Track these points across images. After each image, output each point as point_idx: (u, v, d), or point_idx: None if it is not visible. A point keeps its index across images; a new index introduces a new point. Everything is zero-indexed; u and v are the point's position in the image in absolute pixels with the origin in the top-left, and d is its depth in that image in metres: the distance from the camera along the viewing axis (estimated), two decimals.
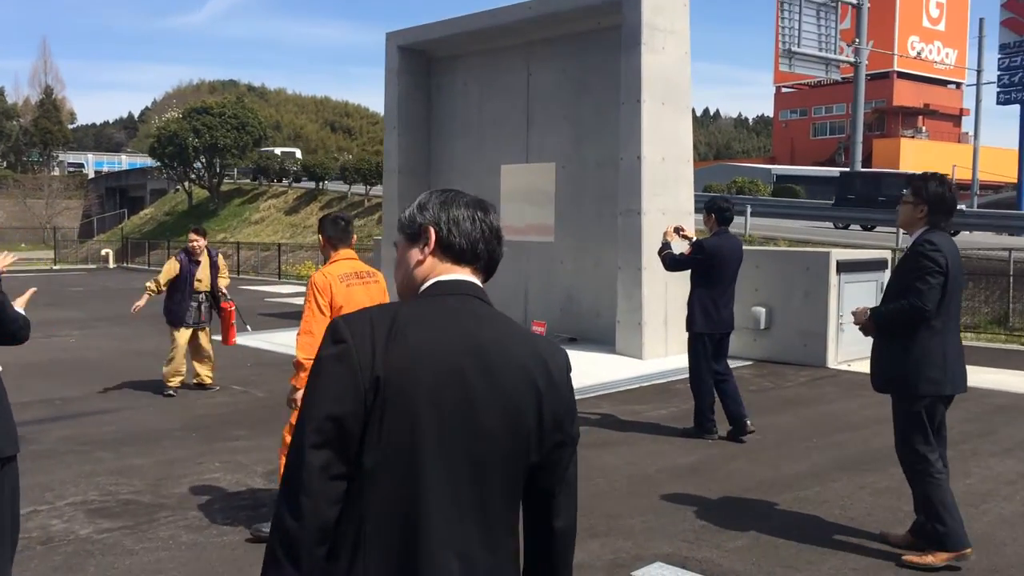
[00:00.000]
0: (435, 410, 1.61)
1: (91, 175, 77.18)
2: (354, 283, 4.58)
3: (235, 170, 46.36)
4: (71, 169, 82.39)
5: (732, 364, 10.64)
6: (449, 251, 1.79)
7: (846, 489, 5.78)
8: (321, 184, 39.75)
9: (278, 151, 48.83)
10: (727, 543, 4.78)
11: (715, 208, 7.37)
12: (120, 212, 59.35)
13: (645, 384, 9.54)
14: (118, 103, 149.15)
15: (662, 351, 10.96)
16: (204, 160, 43.86)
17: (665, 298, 11.03)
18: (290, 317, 15.82)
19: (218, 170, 44.39)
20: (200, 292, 9.10)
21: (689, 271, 7.48)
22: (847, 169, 33.65)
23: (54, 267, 34.45)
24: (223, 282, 9.29)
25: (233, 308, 9.29)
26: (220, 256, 9.53)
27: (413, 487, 1.59)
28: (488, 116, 13.49)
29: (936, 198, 4.49)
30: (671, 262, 7.47)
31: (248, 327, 11.75)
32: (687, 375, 9.36)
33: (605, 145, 11.69)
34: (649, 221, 10.84)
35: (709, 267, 7.15)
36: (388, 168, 14.22)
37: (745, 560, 4.54)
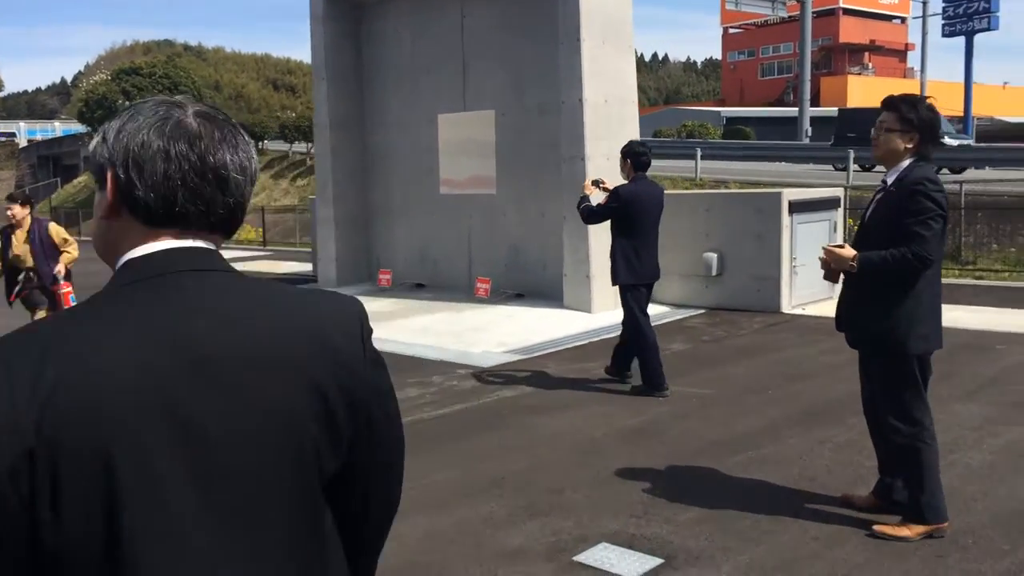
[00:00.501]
0: (140, 467, 1.04)
1: (23, 144, 74.51)
2: None
3: None
4: (1, 139, 79.51)
5: (684, 313, 10.35)
6: (135, 209, 1.18)
7: (804, 445, 5.41)
8: (261, 144, 38.55)
9: None
10: (678, 516, 4.37)
11: (630, 153, 7.02)
12: (53, 181, 57.36)
13: (594, 340, 9.11)
14: (50, 69, 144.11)
15: (612, 304, 10.47)
16: None
17: None
18: None
19: None
20: (24, 270, 7.93)
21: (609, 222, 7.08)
22: (840, 109, 33.22)
23: None
24: (66, 258, 7.88)
25: (67, 291, 7.83)
26: (56, 228, 8.02)
27: None
28: (422, 63, 12.79)
29: (928, 125, 3.91)
30: (587, 214, 7.09)
31: None
32: None
33: (546, 89, 11.09)
34: (594, 167, 10.30)
35: (626, 215, 6.83)
36: (319, 122, 13.47)
37: (697, 535, 4.13)
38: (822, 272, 4.21)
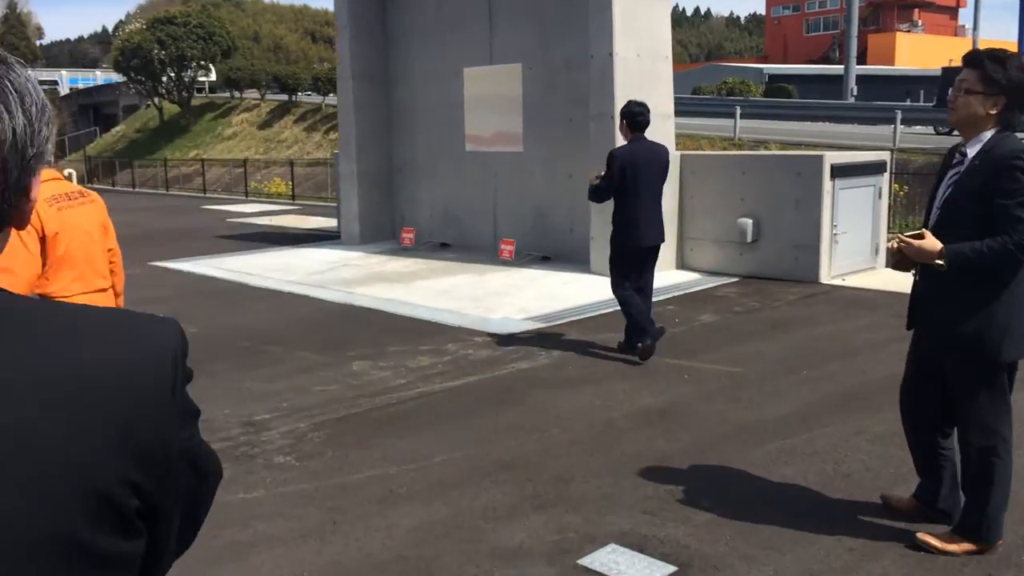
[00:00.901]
0: None
1: (65, 92, 74.84)
2: (65, 205, 3.65)
3: (205, 82, 44.58)
4: (43, 87, 79.93)
5: (716, 281, 9.85)
6: None
7: (840, 435, 4.96)
8: (294, 96, 38.15)
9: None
10: (696, 516, 3.97)
11: (626, 113, 6.83)
12: (92, 130, 57.55)
13: (619, 307, 8.66)
14: (92, 18, 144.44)
15: None
16: (173, 73, 42.06)
17: None
18: (247, 240, 14.85)
19: (187, 83, 42.64)
20: None
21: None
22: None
23: None
24: None
25: None
26: None
27: None
28: (448, 14, 12.26)
29: (1017, 87, 3.32)
30: (592, 193, 6.97)
31: None
32: (667, 295, 8.62)
33: (574, 43, 10.54)
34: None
35: (623, 178, 6.61)
36: (342, 74, 13.02)
37: (716, 539, 3.73)
38: (890, 261, 3.65)
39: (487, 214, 12.06)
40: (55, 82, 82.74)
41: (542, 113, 11.19)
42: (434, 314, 8.44)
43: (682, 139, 18.42)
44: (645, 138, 6.84)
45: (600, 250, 9.96)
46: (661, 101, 10.12)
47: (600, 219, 9.89)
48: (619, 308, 6.97)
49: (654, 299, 7.39)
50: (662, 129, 10.11)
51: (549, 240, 11.30)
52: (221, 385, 6.22)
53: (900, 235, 3.52)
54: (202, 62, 41.34)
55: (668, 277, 9.97)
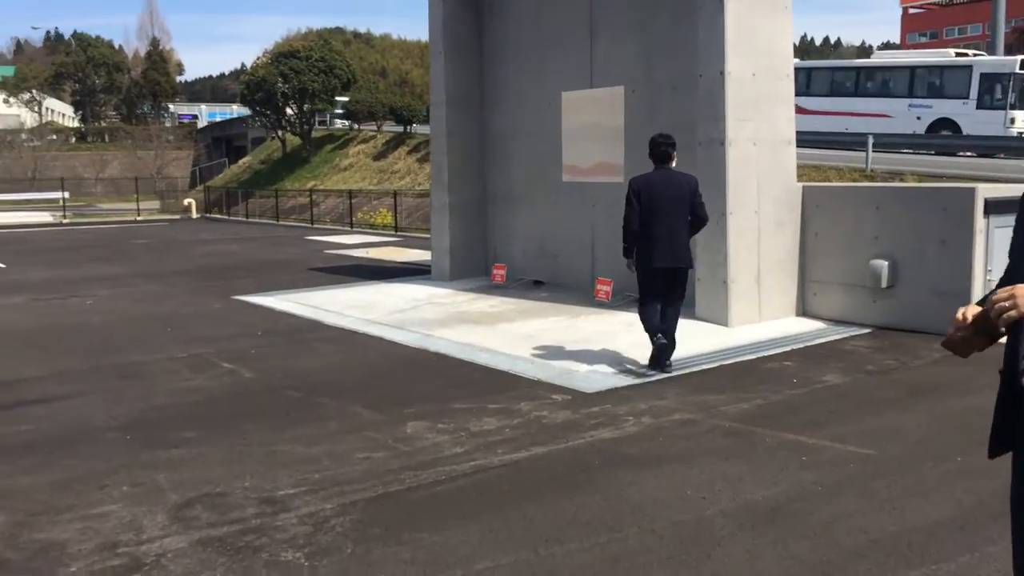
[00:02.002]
0: None
1: (203, 125, 78.10)
2: None
3: (327, 115, 45.41)
4: (183, 120, 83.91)
5: (843, 332, 8.49)
6: None
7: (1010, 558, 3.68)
8: (409, 127, 38.22)
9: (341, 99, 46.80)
10: None
11: (650, 144, 7.28)
12: (221, 161, 59.66)
13: (728, 361, 7.49)
14: (233, 56, 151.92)
15: (754, 316, 8.84)
16: (295, 106, 42.96)
17: (758, 250, 8.86)
18: (338, 273, 14.30)
19: (308, 116, 43.45)
20: None
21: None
22: None
23: (137, 218, 34.25)
24: None
25: None
26: None
27: None
28: (547, 35, 11.40)
29: None
30: (623, 230, 7.23)
31: None
32: (784, 347, 7.54)
33: (682, 61, 9.47)
34: (737, 154, 8.64)
35: (638, 204, 7.03)
36: (435, 100, 12.33)
37: None
38: (955, 337, 2.32)
39: (584, 250, 11.05)
40: (195, 116, 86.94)
41: (644, 139, 10.09)
42: (513, 363, 7.47)
43: (806, 170, 16.96)
44: (669, 168, 7.14)
45: (708, 292, 8.81)
46: (780, 124, 8.94)
47: (709, 258, 8.75)
48: (727, 362, 6.73)
49: (773, 351, 7.40)
50: (781, 157, 8.92)
51: None
52: (252, 448, 5.41)
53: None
54: (322, 95, 42.04)
55: (786, 326, 8.71)
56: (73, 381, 7.25)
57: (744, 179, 8.70)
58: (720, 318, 8.73)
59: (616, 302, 9.91)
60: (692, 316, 9.04)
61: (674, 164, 7.18)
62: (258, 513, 4.39)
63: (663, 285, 7.11)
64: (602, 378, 6.96)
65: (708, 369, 7.25)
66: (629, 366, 7.34)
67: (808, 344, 8.05)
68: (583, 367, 7.32)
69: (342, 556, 3.89)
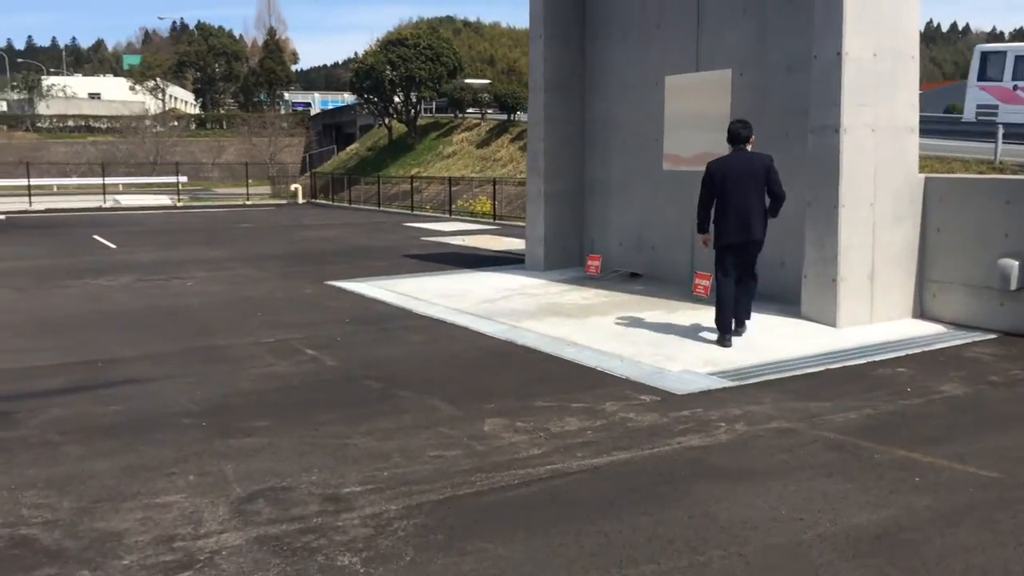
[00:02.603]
0: None
1: (316, 113, 79.94)
2: None
3: (432, 103, 45.71)
4: (296, 108, 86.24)
5: (965, 338, 7.78)
6: None
7: None
8: (513, 115, 38.04)
9: (475, 82, 47.33)
10: None
11: (728, 128, 7.74)
12: (330, 148, 60.93)
13: (834, 365, 6.95)
14: (347, 44, 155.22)
15: (865, 316, 8.22)
16: (402, 94, 43.38)
17: (872, 245, 8.23)
18: (432, 260, 14.19)
19: (415, 103, 43.81)
20: None
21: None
22: None
23: (246, 202, 35.19)
24: None
25: None
26: None
27: None
28: (651, 16, 10.92)
29: None
30: (697, 209, 7.76)
31: None
32: (898, 352, 7.07)
33: (797, 41, 8.89)
34: (853, 141, 8.03)
35: (712, 185, 7.51)
36: (533, 85, 12.01)
37: None
38: None
39: (684, 242, 10.56)
40: (308, 104, 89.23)
41: (753, 125, 9.56)
42: (601, 360, 7.11)
43: (930, 161, 15.93)
44: (744, 149, 7.56)
45: (815, 290, 8.24)
46: (902, 110, 8.26)
47: (816, 253, 8.18)
48: (833, 367, 6.65)
49: (885, 355, 7.03)
50: (902, 145, 8.25)
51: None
52: (324, 440, 5.24)
53: None
54: (428, 82, 42.30)
55: (901, 328, 8.07)
56: (162, 363, 7.28)
57: (859, 169, 8.07)
58: (827, 318, 8.15)
59: (711, 299, 9.39)
60: (797, 315, 8.50)
61: (750, 147, 7.60)
62: (320, 511, 4.19)
63: (735, 261, 7.56)
64: (695, 379, 6.53)
65: (812, 373, 6.73)
66: (725, 366, 6.89)
67: (925, 349, 7.41)
68: (675, 366, 6.90)
69: (400, 564, 3.64)
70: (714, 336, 7.86)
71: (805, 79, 8.56)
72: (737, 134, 7.60)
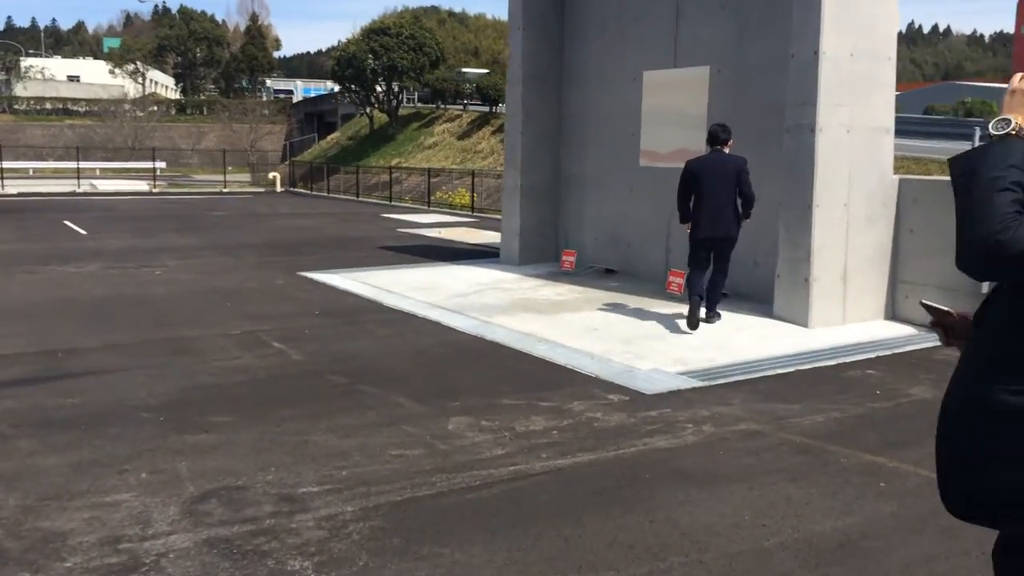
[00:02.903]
0: None
1: (298, 100, 79.34)
2: None
3: (415, 92, 45.44)
4: (278, 95, 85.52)
5: (935, 340, 7.77)
6: None
7: None
8: (495, 107, 37.88)
9: (472, 72, 46.94)
10: None
11: (708, 130, 8.25)
12: (311, 136, 60.46)
13: (805, 366, 6.91)
14: (331, 32, 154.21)
15: (837, 317, 8.19)
16: (384, 83, 43.09)
17: (845, 246, 8.20)
18: (407, 253, 14.06)
19: (396, 92, 43.54)
20: None
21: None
22: None
23: (223, 190, 34.86)
24: None
25: None
26: None
27: None
28: (630, 9, 10.83)
29: None
30: (677, 203, 8.29)
31: None
32: (868, 353, 6.99)
33: (776, 40, 8.83)
34: (828, 141, 7.99)
35: (688, 182, 8.03)
36: (511, 77, 11.90)
37: None
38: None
39: (659, 239, 10.50)
40: (291, 91, 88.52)
41: (730, 124, 9.51)
42: (571, 357, 7.04)
43: (906, 162, 15.96)
44: (720, 151, 7.98)
45: (788, 290, 8.20)
46: (878, 111, 8.23)
47: (790, 253, 8.14)
48: (803, 367, 6.76)
49: (855, 356, 7.10)
50: (877, 146, 8.21)
51: (729, 273, 9.58)
52: (284, 437, 5.13)
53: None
54: (411, 72, 42.03)
55: (873, 330, 8.05)
56: (124, 354, 7.13)
57: (834, 169, 8.04)
58: (799, 318, 8.12)
59: (682, 297, 9.35)
60: (769, 315, 8.46)
61: (727, 150, 8.00)
62: (274, 512, 4.08)
63: (707, 257, 8.05)
64: (665, 378, 6.47)
65: (782, 374, 6.68)
66: (695, 366, 6.83)
67: (896, 351, 7.39)
68: (646, 364, 6.84)
69: (352, 570, 3.54)
70: (688, 334, 7.81)
71: (782, 78, 8.51)
72: (716, 136, 8.02)
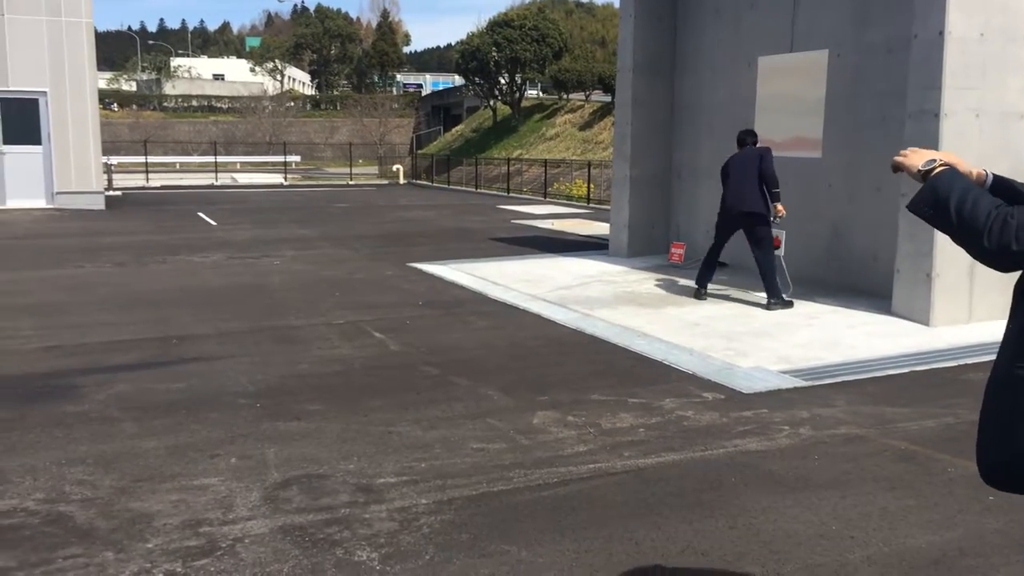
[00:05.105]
0: None
1: (427, 94, 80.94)
2: None
3: (538, 84, 45.56)
4: (408, 89, 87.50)
5: None
6: None
7: None
8: None
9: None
10: None
11: (736, 137, 9.04)
12: (436, 129, 61.55)
13: (921, 367, 6.50)
14: (460, 26, 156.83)
15: (962, 316, 7.67)
16: (507, 75, 43.39)
17: None
18: (517, 244, 14.07)
19: (519, 84, 43.76)
20: None
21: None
22: None
23: (349, 182, 35.86)
24: None
25: None
26: None
27: None
28: None
29: None
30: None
31: None
32: (991, 355, 6.46)
33: (900, 20, 8.33)
34: (954, 127, 7.47)
35: (724, 176, 8.86)
36: (622, 65, 11.69)
37: None
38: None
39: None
40: (420, 85, 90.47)
41: (849, 110, 9.06)
42: (668, 353, 6.85)
43: None
44: (746, 149, 8.79)
45: (908, 286, 7.75)
46: (1011, 96, 7.64)
47: (912, 247, 7.68)
48: (919, 368, 6.42)
49: (979, 358, 6.66)
50: (1010, 133, 7.65)
51: (845, 267, 9.15)
52: (370, 427, 5.20)
53: None
54: (533, 64, 42.14)
55: (999, 329, 7.47)
56: (233, 341, 7.41)
57: (960, 157, 7.49)
58: (920, 316, 7.65)
59: (798, 290, 8.96)
60: (887, 311, 8.01)
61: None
62: (350, 502, 4.13)
63: (724, 236, 8.95)
64: (765, 376, 6.21)
65: (894, 375, 6.30)
66: (800, 364, 6.53)
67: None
68: (747, 362, 6.59)
69: (418, 563, 3.54)
70: (797, 332, 7.49)
71: (904, 61, 8.01)
72: (743, 140, 8.89)
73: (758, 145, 8.89)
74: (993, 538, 3.75)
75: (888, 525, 3.88)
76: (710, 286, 9.17)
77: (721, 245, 8.96)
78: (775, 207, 8.44)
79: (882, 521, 3.92)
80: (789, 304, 8.41)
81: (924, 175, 2.24)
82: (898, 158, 2.35)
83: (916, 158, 2.28)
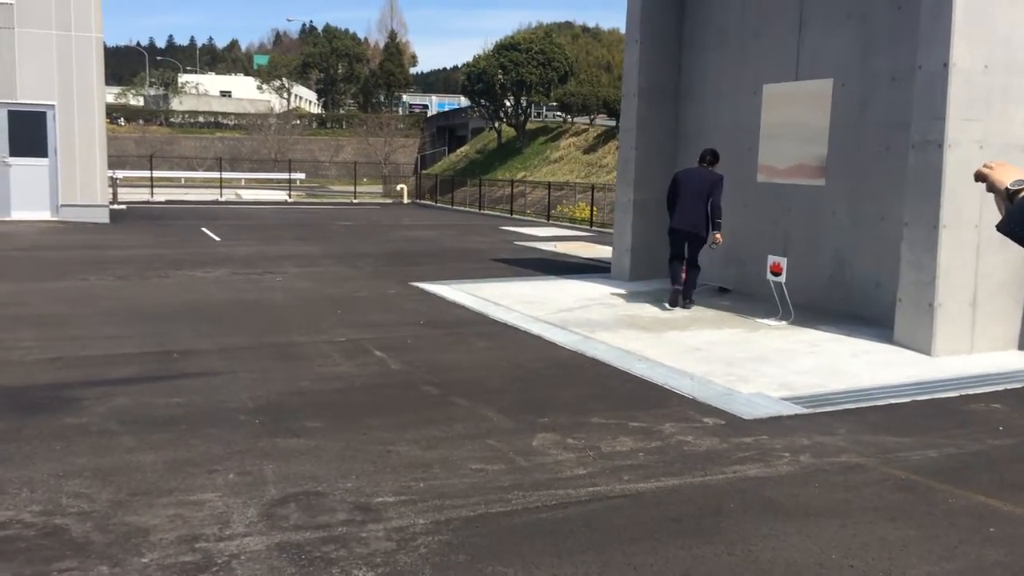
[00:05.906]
0: None
1: (432, 114, 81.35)
2: None
3: (543, 107, 45.79)
4: (414, 109, 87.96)
5: None
6: None
7: None
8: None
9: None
10: None
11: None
12: (441, 150, 61.81)
13: (922, 397, 6.48)
14: (466, 48, 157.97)
15: (964, 346, 7.66)
16: (512, 97, 43.62)
17: (975, 271, 7.66)
18: (519, 265, 14.08)
19: (524, 107, 43.98)
20: None
21: None
22: None
23: (353, 201, 35.96)
24: None
25: None
26: None
27: None
28: (752, 21, 10.52)
29: None
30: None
31: None
32: (996, 386, 6.55)
33: (904, 51, 8.38)
34: (957, 158, 7.50)
35: (673, 188, 9.81)
36: (627, 91, 11.75)
37: None
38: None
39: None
40: (425, 106, 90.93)
41: (852, 138, 9.10)
42: (669, 377, 6.84)
43: None
44: (701, 167, 9.73)
45: (910, 315, 7.74)
46: (1015, 128, 7.67)
47: (913, 276, 7.68)
48: (921, 398, 6.42)
49: (981, 389, 6.67)
50: (1017, 163, 7.63)
51: (848, 295, 9.15)
52: (369, 445, 5.18)
53: None
54: (539, 87, 42.38)
55: (1004, 360, 7.51)
56: (234, 357, 7.40)
57: (965, 188, 7.53)
58: (922, 346, 7.64)
59: (800, 317, 8.96)
60: (889, 340, 8.00)
61: (708, 167, 9.72)
62: (348, 520, 4.11)
63: (680, 248, 9.78)
64: (766, 403, 6.20)
65: (896, 404, 6.29)
66: (802, 391, 6.52)
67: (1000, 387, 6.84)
68: (748, 388, 6.57)
69: None
70: (795, 359, 7.48)
71: (909, 90, 8.06)
72: (704, 156, 9.77)
73: (715, 169, 9.67)
74: (994, 570, 3.73)
75: (888, 555, 3.85)
76: (714, 306, 9.15)
77: (679, 253, 9.82)
78: (714, 234, 9.51)
79: (882, 551, 3.90)
80: (692, 303, 9.82)
81: (1012, 195, 2.23)
82: (984, 169, 2.34)
83: (1003, 174, 2.27)
